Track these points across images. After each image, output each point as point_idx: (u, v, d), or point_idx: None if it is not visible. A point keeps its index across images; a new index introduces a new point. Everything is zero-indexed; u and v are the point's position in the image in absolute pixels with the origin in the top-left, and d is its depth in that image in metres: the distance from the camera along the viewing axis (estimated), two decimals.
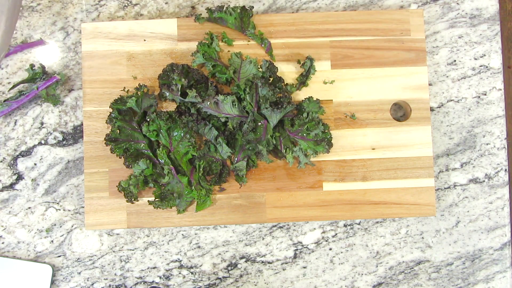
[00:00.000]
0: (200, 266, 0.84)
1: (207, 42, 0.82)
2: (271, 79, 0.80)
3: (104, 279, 0.84)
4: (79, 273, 0.84)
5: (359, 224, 0.85)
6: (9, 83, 0.86)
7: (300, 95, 0.83)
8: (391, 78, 0.84)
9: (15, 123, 0.85)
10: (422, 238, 0.85)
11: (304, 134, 0.79)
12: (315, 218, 0.82)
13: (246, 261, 0.85)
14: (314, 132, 0.79)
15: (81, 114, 0.85)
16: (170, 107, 0.83)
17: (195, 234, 0.84)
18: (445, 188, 0.86)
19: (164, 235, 0.84)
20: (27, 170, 0.84)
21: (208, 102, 0.78)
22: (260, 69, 0.80)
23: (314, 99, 0.80)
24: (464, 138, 0.86)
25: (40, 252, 0.84)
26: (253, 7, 0.81)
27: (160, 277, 0.84)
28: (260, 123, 0.79)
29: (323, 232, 0.85)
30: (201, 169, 0.79)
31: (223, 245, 0.85)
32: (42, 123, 0.85)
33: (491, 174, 0.86)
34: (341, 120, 0.83)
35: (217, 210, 0.82)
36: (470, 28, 0.87)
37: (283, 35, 0.84)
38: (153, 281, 0.84)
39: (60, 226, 0.84)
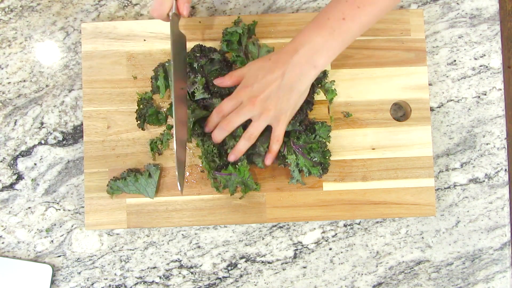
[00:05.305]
0: (200, 266, 0.84)
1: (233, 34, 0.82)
2: None
3: (104, 279, 0.84)
4: (79, 273, 0.84)
5: (359, 224, 0.85)
6: (9, 83, 0.86)
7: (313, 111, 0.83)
8: (391, 78, 0.83)
9: (15, 123, 0.85)
10: (422, 238, 0.85)
11: (305, 152, 0.79)
12: (315, 218, 0.82)
13: (246, 261, 0.85)
14: (315, 155, 0.79)
15: (81, 114, 0.85)
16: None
17: (195, 234, 0.84)
18: (445, 188, 0.86)
19: (164, 235, 0.84)
20: (27, 170, 0.84)
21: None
22: None
23: (328, 124, 0.80)
24: (464, 138, 0.86)
25: (40, 252, 0.84)
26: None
27: (160, 277, 0.84)
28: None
29: (323, 232, 0.85)
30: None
31: (223, 245, 0.85)
32: (42, 123, 0.85)
33: (491, 174, 0.86)
34: (341, 120, 0.83)
35: (217, 210, 0.82)
36: (470, 28, 0.87)
37: (283, 35, 0.84)
38: (153, 281, 0.84)
39: (60, 226, 0.84)
